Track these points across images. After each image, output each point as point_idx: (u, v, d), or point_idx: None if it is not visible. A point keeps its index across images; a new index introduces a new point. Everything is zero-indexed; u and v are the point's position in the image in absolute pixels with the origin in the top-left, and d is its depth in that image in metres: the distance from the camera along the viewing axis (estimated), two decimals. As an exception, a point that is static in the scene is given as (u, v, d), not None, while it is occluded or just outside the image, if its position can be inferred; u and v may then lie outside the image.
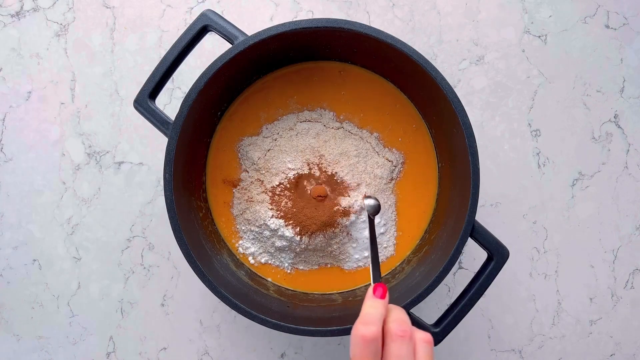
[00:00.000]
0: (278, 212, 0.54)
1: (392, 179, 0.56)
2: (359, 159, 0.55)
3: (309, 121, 0.56)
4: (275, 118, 0.56)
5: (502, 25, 0.63)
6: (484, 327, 0.63)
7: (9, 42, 0.63)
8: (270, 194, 0.55)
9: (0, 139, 0.63)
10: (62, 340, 0.63)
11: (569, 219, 0.63)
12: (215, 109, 0.55)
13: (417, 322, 0.48)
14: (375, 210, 0.53)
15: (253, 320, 0.48)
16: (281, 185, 0.55)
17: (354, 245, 0.55)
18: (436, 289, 0.48)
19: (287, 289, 0.57)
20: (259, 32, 0.48)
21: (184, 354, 0.63)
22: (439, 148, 0.56)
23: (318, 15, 0.63)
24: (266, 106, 0.56)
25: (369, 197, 0.54)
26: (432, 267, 0.49)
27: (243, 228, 0.56)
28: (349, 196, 0.55)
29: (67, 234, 0.63)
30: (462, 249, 0.47)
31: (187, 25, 0.50)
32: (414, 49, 0.47)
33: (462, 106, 0.47)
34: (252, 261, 0.56)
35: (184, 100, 0.48)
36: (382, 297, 0.40)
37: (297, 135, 0.56)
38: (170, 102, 0.63)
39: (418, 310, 0.60)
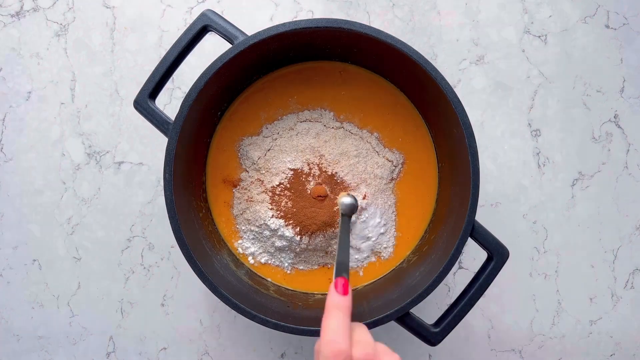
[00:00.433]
0: (278, 212, 0.54)
1: (392, 179, 0.56)
2: (359, 159, 0.55)
3: (309, 121, 0.56)
4: (275, 118, 0.56)
5: (502, 25, 0.63)
6: (484, 327, 0.63)
7: (9, 42, 0.63)
8: (270, 194, 0.55)
9: (0, 139, 0.63)
10: (62, 340, 0.63)
11: (569, 219, 0.63)
12: (215, 109, 0.55)
13: (417, 322, 0.48)
14: (351, 210, 0.51)
15: (253, 320, 0.48)
16: (281, 185, 0.55)
17: (354, 245, 0.55)
18: (436, 289, 0.48)
19: (287, 289, 0.57)
20: (259, 32, 0.48)
21: (184, 354, 0.63)
22: (439, 148, 0.56)
23: (318, 15, 0.63)
24: (266, 106, 0.56)
25: (347, 194, 0.53)
26: (432, 267, 0.49)
27: (243, 228, 0.56)
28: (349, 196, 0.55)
29: (67, 233, 0.63)
30: (462, 249, 0.47)
31: (187, 25, 0.50)
32: (414, 49, 0.47)
33: (462, 106, 0.47)
34: (251, 261, 0.56)
35: (184, 100, 0.48)
36: (345, 292, 0.39)
37: (297, 135, 0.56)
38: (170, 102, 0.63)
39: (418, 310, 0.60)
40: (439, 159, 0.56)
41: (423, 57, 0.47)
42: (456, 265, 0.62)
